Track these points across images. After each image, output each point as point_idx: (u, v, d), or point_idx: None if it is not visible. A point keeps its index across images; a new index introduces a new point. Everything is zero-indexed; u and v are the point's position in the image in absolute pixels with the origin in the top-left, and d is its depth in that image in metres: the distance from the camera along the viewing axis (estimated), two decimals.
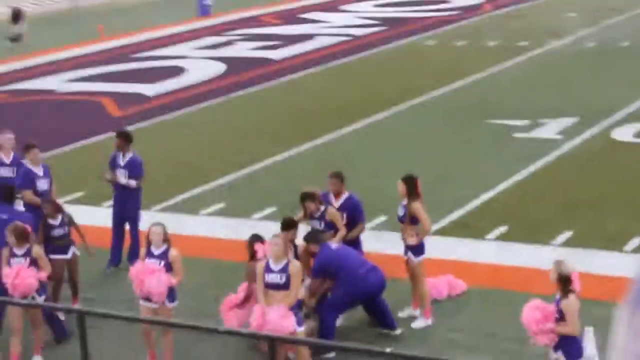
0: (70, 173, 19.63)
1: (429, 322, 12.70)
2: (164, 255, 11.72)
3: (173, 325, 11.30)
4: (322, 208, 13.09)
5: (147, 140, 23.00)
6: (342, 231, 13.06)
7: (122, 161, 15.16)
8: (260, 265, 11.22)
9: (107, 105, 26.87)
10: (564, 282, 9.80)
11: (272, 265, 11.06)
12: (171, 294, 11.74)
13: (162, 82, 29.28)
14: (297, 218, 13.07)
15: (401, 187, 12.67)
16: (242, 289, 12.34)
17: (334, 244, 12.58)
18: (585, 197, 16.91)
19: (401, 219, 12.73)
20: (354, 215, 13.33)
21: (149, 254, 11.79)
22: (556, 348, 9.91)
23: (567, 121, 21.80)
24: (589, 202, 16.66)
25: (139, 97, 27.59)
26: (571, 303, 9.80)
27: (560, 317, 9.81)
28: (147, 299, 11.65)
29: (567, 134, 20.79)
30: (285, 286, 10.97)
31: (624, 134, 20.59)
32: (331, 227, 13.06)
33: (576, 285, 9.87)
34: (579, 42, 31.24)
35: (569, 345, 9.90)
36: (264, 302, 11.08)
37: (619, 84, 25.06)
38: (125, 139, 15.41)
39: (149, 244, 11.82)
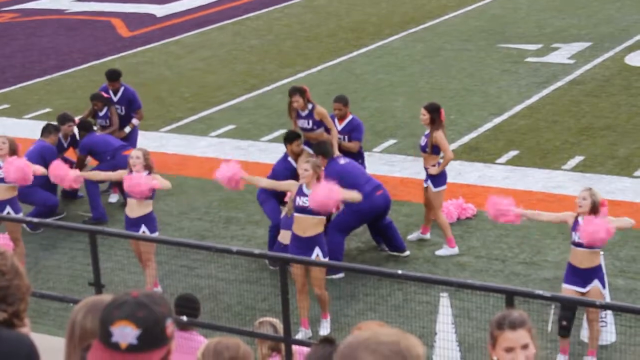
0: (82, 95, 19.59)
1: (455, 250, 12.57)
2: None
3: (186, 246, 11.33)
4: (310, 106, 13.07)
5: (157, 61, 22.93)
6: (334, 130, 13.05)
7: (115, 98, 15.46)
8: (295, 184, 11.17)
9: (116, 26, 26.73)
10: (596, 210, 9.76)
11: (305, 189, 10.94)
12: (151, 224, 11.68)
13: (173, 2, 29.07)
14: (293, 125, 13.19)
15: (424, 116, 12.45)
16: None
17: (342, 158, 12.53)
18: (597, 123, 16.84)
19: (423, 149, 12.59)
20: (351, 134, 13.31)
21: None
22: (590, 279, 9.86)
23: (580, 45, 21.61)
24: (600, 128, 16.59)
25: (149, 18, 27.42)
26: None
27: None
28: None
29: (580, 59, 20.63)
30: (312, 211, 10.85)
31: (637, 59, 20.41)
32: (319, 125, 13.08)
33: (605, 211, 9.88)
34: None
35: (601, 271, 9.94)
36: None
37: (634, 8, 24.77)
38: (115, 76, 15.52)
39: (130, 170, 11.67)
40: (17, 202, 12.69)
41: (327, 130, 13.19)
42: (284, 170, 12.68)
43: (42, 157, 13.86)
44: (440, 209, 12.60)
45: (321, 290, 10.85)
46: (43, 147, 14.19)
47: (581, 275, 9.79)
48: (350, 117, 13.43)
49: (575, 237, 9.80)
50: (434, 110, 12.38)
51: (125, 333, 3.23)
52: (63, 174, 12.16)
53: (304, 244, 10.80)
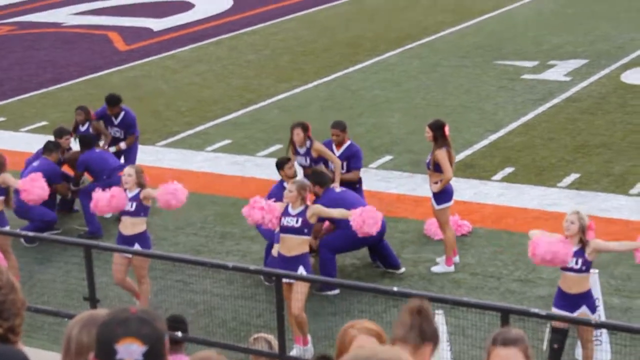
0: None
1: (450, 269, 12.53)
2: (136, 197, 11.60)
3: (181, 261, 11.31)
4: (309, 143, 13.07)
5: (154, 75, 22.95)
6: (337, 161, 13.02)
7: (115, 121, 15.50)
8: (281, 205, 11.15)
9: (113, 40, 26.75)
10: (584, 233, 9.76)
11: (290, 210, 10.96)
12: (145, 242, 11.59)
13: (169, 17, 29.11)
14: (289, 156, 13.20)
15: (428, 134, 12.41)
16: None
17: (337, 187, 12.56)
18: (592, 140, 16.86)
19: (427, 165, 12.59)
20: (350, 161, 13.31)
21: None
22: (578, 305, 9.82)
23: (576, 63, 21.66)
24: (596, 145, 16.61)
25: (145, 32, 27.45)
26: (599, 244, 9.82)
27: (586, 268, 9.80)
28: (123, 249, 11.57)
29: (576, 76, 20.67)
30: (300, 231, 10.84)
31: (633, 76, 20.46)
32: (317, 162, 13.10)
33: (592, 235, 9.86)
34: None
35: (591, 297, 9.91)
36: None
37: (630, 26, 24.85)
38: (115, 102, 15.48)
39: (124, 188, 11.64)
40: (4, 216, 12.63)
41: (326, 164, 13.14)
42: (281, 197, 12.71)
43: (47, 177, 13.90)
44: (447, 225, 12.58)
45: (299, 310, 10.68)
46: (49, 169, 14.13)
47: (570, 300, 9.75)
48: (348, 142, 13.43)
49: None
50: (437, 128, 12.37)
51: (132, 350, 3.24)
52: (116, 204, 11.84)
53: (289, 263, 10.76)
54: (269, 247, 12.43)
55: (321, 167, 13.05)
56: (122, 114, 15.43)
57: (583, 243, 9.73)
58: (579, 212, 9.88)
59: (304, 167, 13.28)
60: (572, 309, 9.71)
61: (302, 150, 13.14)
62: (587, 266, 9.74)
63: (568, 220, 9.78)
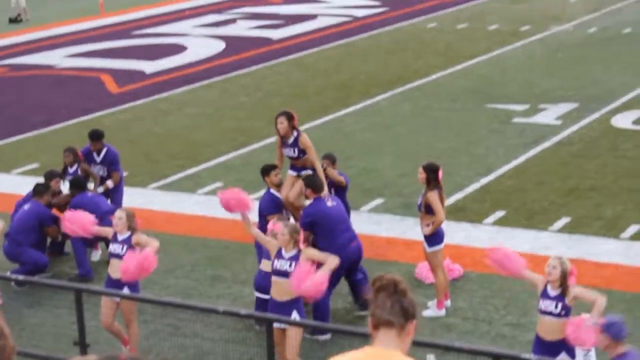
0: None
1: (442, 313, 12.50)
2: (127, 241, 11.45)
3: (171, 305, 11.26)
4: (296, 133, 13.03)
5: (146, 117, 22.98)
6: (318, 165, 12.98)
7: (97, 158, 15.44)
8: (274, 245, 11.00)
9: (106, 82, 26.81)
10: (565, 279, 9.75)
11: (284, 252, 10.84)
12: (134, 285, 11.38)
13: (162, 59, 29.20)
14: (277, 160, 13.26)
15: (421, 175, 12.45)
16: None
17: (330, 200, 12.52)
18: (583, 184, 16.90)
19: (419, 207, 12.60)
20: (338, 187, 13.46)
21: (114, 239, 11.50)
22: (557, 352, 9.75)
23: (567, 107, 21.76)
24: (587, 189, 16.65)
25: (138, 74, 27.52)
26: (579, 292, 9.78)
27: (566, 313, 9.77)
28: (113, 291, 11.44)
29: (566, 120, 20.76)
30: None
31: (623, 120, 20.56)
32: (305, 153, 13.06)
33: (573, 280, 9.84)
34: (581, 28, 31.17)
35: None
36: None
37: (619, 70, 25.01)
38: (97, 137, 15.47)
39: (114, 231, 11.51)
40: None
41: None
42: (269, 202, 12.70)
43: (39, 220, 13.98)
44: (439, 268, 12.54)
45: (294, 356, 10.61)
46: (41, 211, 14.19)
47: (548, 348, 9.67)
48: (336, 172, 13.57)
49: (542, 305, 9.77)
50: (431, 171, 12.39)
51: None
52: (83, 223, 11.72)
53: (282, 308, 10.66)
54: (258, 283, 12.33)
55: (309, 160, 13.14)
56: (104, 150, 15.43)
57: (564, 288, 9.71)
58: (561, 257, 9.89)
59: (292, 158, 13.20)
60: (551, 356, 9.66)
61: (289, 141, 13.06)
62: (566, 311, 9.71)
63: (550, 265, 9.77)
